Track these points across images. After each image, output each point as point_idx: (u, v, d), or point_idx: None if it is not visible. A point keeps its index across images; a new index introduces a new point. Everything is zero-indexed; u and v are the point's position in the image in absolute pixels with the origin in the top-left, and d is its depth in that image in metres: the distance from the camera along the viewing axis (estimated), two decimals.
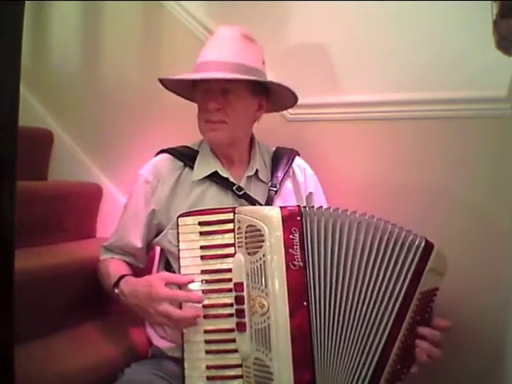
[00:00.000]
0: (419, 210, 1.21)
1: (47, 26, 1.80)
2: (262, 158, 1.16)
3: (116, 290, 1.01)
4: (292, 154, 1.19)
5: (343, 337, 0.86)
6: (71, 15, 1.75)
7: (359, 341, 0.86)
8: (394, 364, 0.87)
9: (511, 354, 1.06)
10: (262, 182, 1.12)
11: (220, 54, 1.04)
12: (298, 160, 1.20)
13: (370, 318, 0.86)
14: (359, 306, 0.86)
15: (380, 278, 0.87)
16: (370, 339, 0.86)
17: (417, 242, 0.89)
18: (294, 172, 1.17)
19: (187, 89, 1.13)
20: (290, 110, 1.35)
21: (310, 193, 1.17)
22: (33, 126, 1.72)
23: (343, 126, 1.32)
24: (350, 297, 0.86)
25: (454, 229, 1.18)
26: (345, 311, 0.86)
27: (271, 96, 1.13)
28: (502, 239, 1.13)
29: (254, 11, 1.41)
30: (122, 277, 1.02)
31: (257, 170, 1.12)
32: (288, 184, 1.15)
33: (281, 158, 1.16)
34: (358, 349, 0.86)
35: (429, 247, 0.90)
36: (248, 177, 1.11)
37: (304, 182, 1.17)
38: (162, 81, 1.11)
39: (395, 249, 0.88)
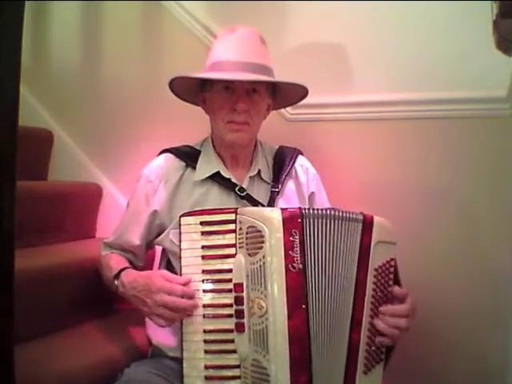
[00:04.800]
0: (420, 209, 1.21)
1: (47, 26, 1.80)
2: (264, 158, 1.16)
3: (116, 282, 1.03)
4: (294, 153, 1.18)
5: (339, 337, 0.85)
6: (71, 15, 1.75)
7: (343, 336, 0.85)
8: (368, 346, 0.87)
9: None
10: (265, 182, 1.12)
11: (243, 54, 1.04)
12: (300, 159, 1.19)
13: (342, 308, 0.86)
14: (336, 302, 0.85)
15: (345, 266, 0.86)
16: (344, 329, 0.85)
17: (357, 217, 0.88)
18: (296, 172, 1.16)
19: (194, 89, 1.12)
20: (289, 110, 1.36)
21: (312, 193, 1.17)
22: (33, 126, 1.72)
23: (343, 126, 1.32)
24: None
25: (454, 227, 1.18)
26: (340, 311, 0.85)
27: (276, 96, 1.14)
28: (502, 239, 1.13)
29: (254, 10, 1.40)
30: (123, 269, 1.05)
31: (259, 171, 1.12)
32: (290, 184, 1.14)
33: (283, 157, 1.16)
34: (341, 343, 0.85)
35: (368, 220, 0.89)
36: (251, 177, 1.11)
37: (306, 182, 1.17)
38: (173, 80, 1.07)
39: (348, 235, 0.87)
